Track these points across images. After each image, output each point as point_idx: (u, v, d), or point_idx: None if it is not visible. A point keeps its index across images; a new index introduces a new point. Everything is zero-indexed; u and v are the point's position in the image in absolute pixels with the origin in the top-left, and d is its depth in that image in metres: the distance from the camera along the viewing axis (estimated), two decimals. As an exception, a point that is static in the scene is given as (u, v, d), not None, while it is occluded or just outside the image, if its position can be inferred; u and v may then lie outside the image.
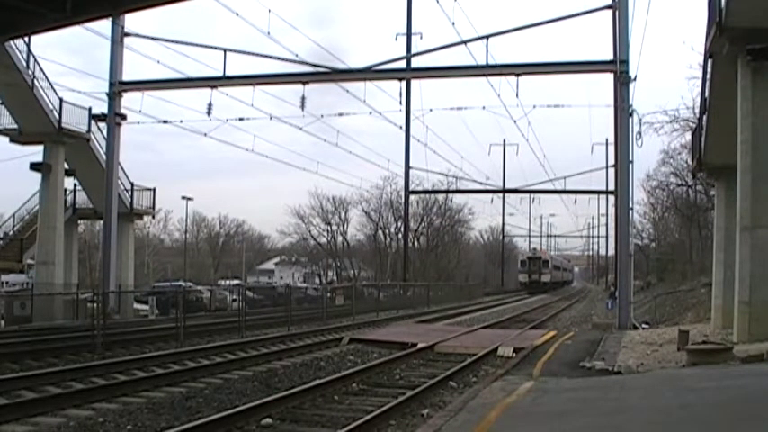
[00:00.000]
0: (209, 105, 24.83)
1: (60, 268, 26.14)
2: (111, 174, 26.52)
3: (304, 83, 24.55)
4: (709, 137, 18.84)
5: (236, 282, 52.99)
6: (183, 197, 59.65)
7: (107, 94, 26.18)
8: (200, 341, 18.07)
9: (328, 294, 31.10)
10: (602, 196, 55.24)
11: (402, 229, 58.44)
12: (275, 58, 24.51)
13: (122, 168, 28.97)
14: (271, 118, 26.89)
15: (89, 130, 27.24)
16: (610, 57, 22.97)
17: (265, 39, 24.08)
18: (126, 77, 26.51)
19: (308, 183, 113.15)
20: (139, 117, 26.40)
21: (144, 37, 25.93)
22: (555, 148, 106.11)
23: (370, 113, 27.68)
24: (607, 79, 24.55)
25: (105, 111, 26.34)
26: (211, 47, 25.15)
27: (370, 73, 24.48)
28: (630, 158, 22.44)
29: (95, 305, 19.44)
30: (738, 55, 13.63)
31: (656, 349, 14.35)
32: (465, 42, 23.56)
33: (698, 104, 26.18)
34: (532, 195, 50.79)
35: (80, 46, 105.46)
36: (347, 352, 15.75)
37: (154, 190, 32.14)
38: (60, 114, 25.78)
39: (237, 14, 23.34)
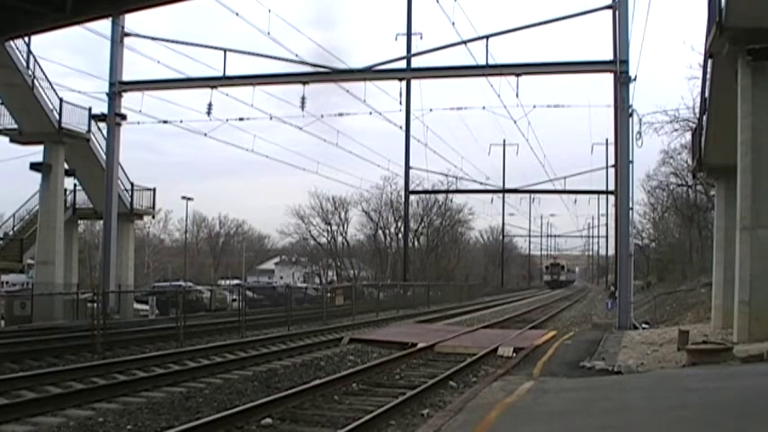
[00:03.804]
0: (210, 105, 24.86)
1: (60, 268, 26.15)
2: (111, 174, 26.52)
3: (304, 83, 24.55)
4: (709, 137, 18.84)
5: (236, 282, 52.95)
6: (183, 197, 59.58)
7: (107, 94, 26.17)
8: (200, 341, 18.07)
9: (328, 294, 31.10)
10: (602, 196, 55.44)
11: (402, 229, 58.49)
12: (275, 58, 24.52)
13: (122, 168, 29.01)
14: (271, 118, 26.91)
15: (89, 130, 27.26)
16: (610, 57, 22.94)
17: (265, 39, 24.09)
18: (126, 77, 26.53)
19: (308, 183, 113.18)
20: (140, 117, 26.45)
21: (144, 37, 25.98)
22: (555, 148, 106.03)
23: (371, 113, 27.69)
24: (607, 79, 24.54)
25: (106, 111, 26.35)
26: (211, 47, 25.16)
27: (370, 73, 24.46)
28: (630, 158, 22.42)
29: (95, 305, 19.44)
30: (738, 55, 13.63)
31: (656, 349, 14.35)
32: (465, 42, 23.55)
33: (698, 104, 26.22)
34: (532, 195, 50.91)
35: (84, 46, 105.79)
36: (347, 352, 15.75)
37: (154, 190, 32.17)
38: (60, 114, 25.79)
39: (237, 14, 23.34)
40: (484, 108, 26.98)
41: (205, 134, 26.92)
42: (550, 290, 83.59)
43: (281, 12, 53.70)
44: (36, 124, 25.35)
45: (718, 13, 13.36)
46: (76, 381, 11.23)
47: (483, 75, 23.73)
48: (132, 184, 30.70)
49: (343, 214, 68.52)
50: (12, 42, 23.25)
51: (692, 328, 17.05)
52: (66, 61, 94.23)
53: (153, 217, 40.12)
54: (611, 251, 60.19)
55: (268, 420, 8.45)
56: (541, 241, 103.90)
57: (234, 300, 32.90)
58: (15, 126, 25.84)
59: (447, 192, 56.36)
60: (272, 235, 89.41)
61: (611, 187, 30.56)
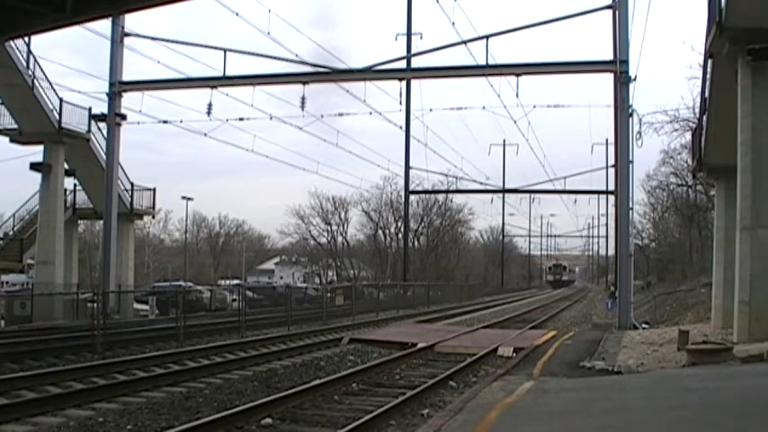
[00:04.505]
0: (210, 105, 24.87)
1: (60, 268, 26.14)
2: (111, 174, 26.52)
3: (304, 83, 24.55)
4: (709, 137, 18.84)
5: (236, 282, 52.96)
6: (183, 197, 59.57)
7: (107, 94, 26.17)
8: (200, 341, 18.07)
9: (328, 294, 31.10)
10: (602, 196, 55.43)
11: (402, 229, 58.47)
12: (275, 58, 24.52)
13: (122, 168, 29.01)
14: (271, 118, 26.91)
15: (89, 130, 27.26)
16: (610, 57, 22.95)
17: (265, 39, 24.09)
18: (126, 77, 26.54)
19: (308, 183, 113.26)
20: (140, 117, 26.46)
21: (144, 37, 25.98)
22: (555, 148, 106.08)
23: (371, 113, 27.69)
24: (607, 79, 24.54)
25: (106, 111, 26.35)
26: (211, 47, 25.17)
27: (370, 73, 24.46)
28: (630, 158, 22.43)
29: (95, 305, 19.44)
30: (738, 55, 13.63)
31: (656, 349, 14.35)
32: (465, 42, 23.54)
33: (698, 104, 26.21)
34: (532, 195, 50.88)
35: (84, 46, 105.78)
36: (347, 352, 15.75)
37: (154, 190, 32.18)
38: (60, 114, 25.79)
39: (237, 14, 23.34)
40: (484, 108, 27.01)
41: (205, 134, 26.98)
42: (553, 289, 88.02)
43: (281, 12, 53.71)
44: (36, 124, 25.35)
45: (718, 13, 13.36)
46: (76, 381, 11.23)
47: (483, 75, 23.73)
48: (132, 184, 30.70)
49: (343, 214, 68.63)
50: (12, 42, 23.24)
51: (692, 328, 17.05)
52: (67, 61, 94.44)
53: (153, 217, 40.14)
54: (612, 251, 60.28)
55: (268, 420, 8.45)
56: (541, 241, 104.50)
57: (234, 300, 32.90)
58: (15, 126, 25.83)
59: (447, 192, 56.38)
60: (272, 235, 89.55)
61: (611, 187, 30.56)
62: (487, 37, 23.10)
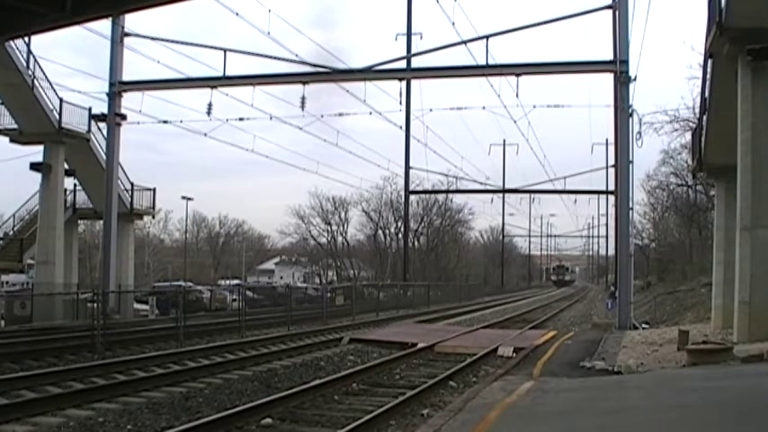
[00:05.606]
0: (209, 105, 24.86)
1: (60, 268, 26.13)
2: (111, 174, 26.52)
3: (304, 83, 24.54)
4: (709, 137, 18.85)
5: (236, 282, 52.92)
6: (183, 197, 59.59)
7: (107, 94, 26.19)
8: (200, 341, 18.07)
9: (328, 294, 31.10)
10: (602, 196, 55.47)
11: (402, 229, 58.47)
12: (275, 58, 24.50)
13: (122, 168, 29.01)
14: (271, 118, 26.90)
15: (89, 130, 27.25)
16: (610, 57, 22.96)
17: (266, 39, 24.09)
18: (126, 77, 26.54)
19: (308, 183, 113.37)
20: (140, 117, 26.46)
21: (144, 37, 25.98)
22: (555, 148, 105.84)
23: (371, 113, 27.66)
24: (607, 79, 24.55)
25: (106, 111, 26.35)
26: (211, 47, 25.18)
27: (370, 73, 24.45)
28: (630, 158, 22.43)
29: (95, 305, 19.44)
30: (738, 55, 13.65)
31: (656, 349, 14.35)
32: (465, 42, 23.54)
33: (698, 104, 26.20)
34: (532, 195, 50.72)
35: (86, 46, 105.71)
36: (347, 352, 15.75)
37: (154, 190, 32.17)
38: (60, 114, 25.78)
39: (237, 14, 23.32)
40: (484, 108, 27.00)
41: (205, 134, 26.99)
42: (556, 288, 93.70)
43: (281, 12, 53.70)
44: (36, 124, 25.34)
45: (718, 13, 13.37)
46: (76, 381, 11.23)
47: (483, 75, 23.72)
48: (132, 184, 30.69)
49: (343, 214, 68.64)
50: (12, 42, 23.21)
51: (692, 328, 17.05)
52: (69, 61, 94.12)
53: (153, 217, 40.13)
54: (612, 251, 60.29)
55: (268, 420, 8.45)
56: (541, 241, 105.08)
57: (234, 300, 32.88)
58: (15, 126, 25.82)
59: (447, 192, 56.36)
60: (272, 235, 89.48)
61: (611, 187, 30.52)
62: (487, 37, 23.10)
